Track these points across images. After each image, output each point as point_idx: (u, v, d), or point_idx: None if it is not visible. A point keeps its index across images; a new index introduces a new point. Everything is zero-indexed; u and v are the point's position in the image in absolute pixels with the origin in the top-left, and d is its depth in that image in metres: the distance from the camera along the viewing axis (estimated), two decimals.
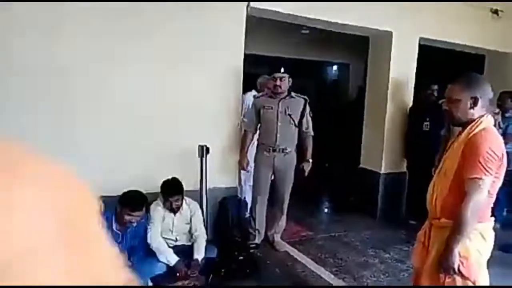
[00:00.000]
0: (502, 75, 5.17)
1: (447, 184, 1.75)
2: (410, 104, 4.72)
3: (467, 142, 1.69)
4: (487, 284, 1.76)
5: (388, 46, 4.53)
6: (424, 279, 1.80)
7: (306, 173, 3.65)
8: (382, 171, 4.68)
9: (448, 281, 1.70)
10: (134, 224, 2.84)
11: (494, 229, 1.80)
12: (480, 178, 1.62)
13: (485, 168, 1.62)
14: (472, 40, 4.89)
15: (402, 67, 4.60)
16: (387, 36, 4.51)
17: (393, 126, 4.65)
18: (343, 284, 3.08)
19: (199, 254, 3.03)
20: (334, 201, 5.50)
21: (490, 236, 1.76)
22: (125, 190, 2.81)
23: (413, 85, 4.71)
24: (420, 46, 4.68)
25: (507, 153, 1.74)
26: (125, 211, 2.70)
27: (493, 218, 1.79)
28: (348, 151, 5.55)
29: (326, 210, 5.16)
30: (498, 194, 1.75)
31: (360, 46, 5.15)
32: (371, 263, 3.52)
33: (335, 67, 8.31)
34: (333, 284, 3.07)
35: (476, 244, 1.70)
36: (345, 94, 7.42)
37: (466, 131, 1.73)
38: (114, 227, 2.79)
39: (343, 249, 3.81)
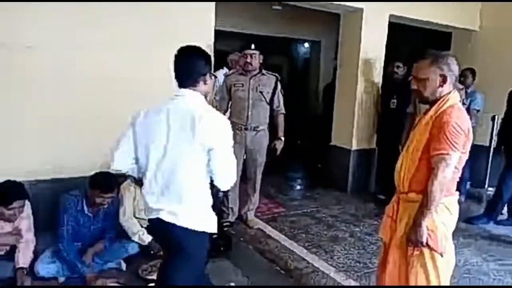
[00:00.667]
0: (469, 52, 5.31)
1: (415, 160, 1.78)
2: (380, 81, 4.79)
3: (435, 119, 1.72)
4: (453, 255, 1.84)
5: (358, 23, 4.55)
6: (392, 252, 1.86)
7: (278, 152, 3.66)
8: (353, 147, 4.78)
9: (416, 253, 1.77)
10: (105, 206, 2.80)
11: (459, 202, 1.88)
12: (447, 154, 1.66)
13: (452, 144, 1.66)
14: (440, 17, 4.97)
15: (373, 44, 4.64)
16: (358, 13, 4.52)
17: (363, 104, 4.72)
18: (315, 257, 3.17)
19: None
20: (306, 178, 5.57)
21: (455, 209, 1.82)
22: (95, 171, 2.74)
23: (382, 63, 4.77)
24: (389, 23, 4.72)
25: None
26: (96, 194, 2.65)
27: (457, 192, 1.85)
28: (320, 128, 5.61)
29: (298, 187, 5.22)
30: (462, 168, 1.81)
31: (331, 23, 5.15)
32: (342, 237, 3.62)
33: (306, 45, 8.29)
34: (307, 259, 3.14)
35: (442, 217, 1.76)
36: (317, 72, 7.43)
37: (433, 108, 1.76)
38: (85, 210, 2.73)
39: (315, 224, 3.89)
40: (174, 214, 1.77)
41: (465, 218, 4.05)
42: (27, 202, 2.59)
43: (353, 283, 2.82)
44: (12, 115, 2.89)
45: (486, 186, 4.69)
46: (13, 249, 2.57)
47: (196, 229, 1.79)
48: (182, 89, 1.87)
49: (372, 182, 4.96)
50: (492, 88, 4.58)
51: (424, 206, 1.70)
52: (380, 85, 4.77)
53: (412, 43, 5.67)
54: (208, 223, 1.87)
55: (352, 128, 4.74)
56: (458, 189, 1.86)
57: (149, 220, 1.91)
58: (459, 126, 1.68)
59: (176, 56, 1.86)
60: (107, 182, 2.67)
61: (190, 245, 1.81)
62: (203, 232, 1.84)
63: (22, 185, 2.53)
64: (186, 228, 1.78)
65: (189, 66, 1.86)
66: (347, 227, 3.84)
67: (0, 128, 2.85)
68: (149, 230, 2.97)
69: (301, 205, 4.43)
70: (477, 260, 3.24)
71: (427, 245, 1.72)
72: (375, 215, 4.05)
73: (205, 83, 1.88)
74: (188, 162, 1.75)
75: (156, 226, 1.85)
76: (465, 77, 4.52)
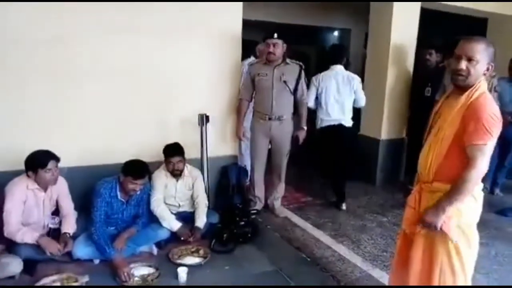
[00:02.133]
0: (505, 39, 5.10)
1: (444, 149, 1.74)
2: (411, 69, 4.68)
3: (468, 107, 1.67)
4: (477, 244, 1.81)
5: (389, 10, 4.45)
6: (416, 244, 1.84)
7: (301, 141, 3.67)
8: (382, 137, 4.72)
9: (422, 232, 1.78)
10: (138, 192, 2.92)
11: (484, 191, 1.83)
12: (485, 144, 1.63)
13: (489, 133, 1.62)
14: (474, 2, 4.78)
15: (403, 32, 4.53)
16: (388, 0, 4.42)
17: (394, 93, 4.64)
18: (342, 247, 3.18)
19: (200, 221, 3.12)
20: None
21: (480, 198, 1.78)
22: (127, 160, 2.86)
23: (414, 51, 4.65)
24: (421, 10, 4.59)
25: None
26: (128, 180, 2.77)
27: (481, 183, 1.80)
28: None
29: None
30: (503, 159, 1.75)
31: (361, 11, 5.05)
32: (369, 226, 3.61)
33: (336, 33, 8.16)
34: (333, 247, 3.17)
35: (468, 205, 1.73)
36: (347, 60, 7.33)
37: (465, 94, 1.70)
38: (118, 196, 2.86)
39: (342, 214, 3.90)
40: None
41: (498, 209, 3.96)
42: (63, 181, 2.79)
43: (379, 272, 2.82)
44: (54, 106, 3.05)
45: None
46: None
47: None
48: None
49: (402, 172, 4.88)
50: None
51: (454, 194, 1.67)
52: (411, 74, 4.66)
53: (445, 30, 5.48)
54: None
55: (381, 117, 4.67)
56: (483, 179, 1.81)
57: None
58: (494, 114, 1.63)
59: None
60: (138, 169, 2.80)
61: None
62: None
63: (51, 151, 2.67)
64: None
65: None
66: (374, 217, 3.83)
67: (43, 116, 3.01)
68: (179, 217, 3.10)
69: (328, 195, 4.43)
70: (510, 252, 3.17)
71: (441, 230, 1.70)
72: (403, 205, 3.97)
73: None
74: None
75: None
76: None
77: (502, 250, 3.20)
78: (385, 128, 4.71)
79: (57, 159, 2.66)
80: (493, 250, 3.19)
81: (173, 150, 3.13)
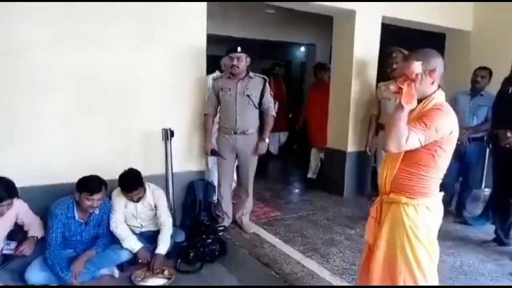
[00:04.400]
0: (462, 53, 5.32)
1: (396, 161, 1.76)
2: (374, 82, 4.78)
3: (420, 114, 1.68)
4: (437, 255, 1.81)
5: (351, 25, 4.55)
6: (376, 253, 1.83)
7: (258, 152, 3.55)
8: (348, 150, 4.76)
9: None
10: (97, 212, 2.78)
11: (444, 202, 1.84)
12: (416, 131, 1.61)
13: (426, 124, 1.61)
14: (432, 18, 4.97)
15: (366, 46, 4.64)
16: (351, 15, 4.52)
17: (358, 105, 4.71)
18: (311, 261, 3.14)
19: (162, 247, 2.92)
20: (302, 182, 5.56)
21: (437, 209, 1.78)
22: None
23: (376, 64, 4.76)
24: (382, 25, 4.72)
25: None
26: (84, 196, 2.63)
27: (441, 193, 1.81)
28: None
29: (294, 190, 5.21)
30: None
31: (326, 26, 5.14)
32: (338, 239, 3.59)
33: (302, 48, 8.30)
34: (302, 263, 3.12)
35: (424, 218, 1.73)
36: (312, 75, 7.43)
37: (419, 106, 1.72)
38: (75, 216, 2.71)
39: (311, 227, 3.87)
40: None
41: (463, 219, 4.04)
42: (19, 202, 2.62)
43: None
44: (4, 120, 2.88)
45: (482, 186, 4.68)
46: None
47: None
48: None
49: (368, 184, 4.93)
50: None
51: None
52: (375, 86, 4.76)
53: (406, 45, 5.66)
54: None
55: (347, 129, 4.72)
56: (442, 189, 1.83)
57: None
58: (442, 116, 1.64)
59: None
60: (93, 184, 2.66)
61: None
62: None
63: (13, 183, 2.49)
64: None
65: None
66: (342, 230, 3.81)
67: None
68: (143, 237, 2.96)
69: (297, 209, 4.40)
70: (474, 261, 3.22)
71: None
72: None
73: None
74: None
75: None
76: (482, 77, 4.04)
77: (466, 260, 3.25)
78: (351, 140, 4.76)
79: (14, 196, 2.48)
80: (458, 260, 3.23)
81: (131, 185, 2.89)
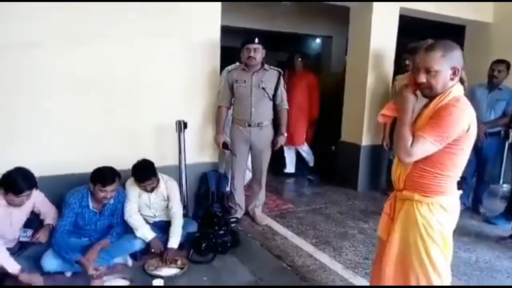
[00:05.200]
0: (482, 45, 5.18)
1: None
2: (391, 75, 4.70)
3: (435, 111, 1.63)
4: (451, 253, 1.77)
5: (368, 17, 4.47)
6: (389, 249, 1.80)
7: (277, 147, 3.59)
8: (363, 143, 4.70)
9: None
10: (111, 201, 2.82)
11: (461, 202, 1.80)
12: (424, 137, 1.58)
13: (440, 130, 1.57)
14: (451, 10, 4.85)
15: (383, 38, 4.55)
16: (368, 6, 4.44)
17: (374, 98, 4.64)
18: (323, 254, 3.13)
19: (174, 240, 2.92)
20: (316, 174, 5.53)
21: (453, 208, 1.73)
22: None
23: (393, 56, 4.68)
24: (400, 17, 4.63)
25: None
26: (97, 188, 2.66)
27: (459, 191, 1.75)
28: (331, 125, 5.55)
29: (307, 183, 5.19)
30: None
31: (342, 18, 5.06)
32: (351, 233, 3.57)
33: (318, 40, 8.20)
34: (314, 255, 3.11)
35: (438, 217, 1.69)
36: (328, 67, 7.34)
37: (433, 102, 1.66)
38: (90, 206, 2.75)
39: (323, 221, 3.85)
40: None
41: (484, 217, 3.97)
42: (36, 192, 2.63)
43: (360, 280, 2.77)
44: (24, 116, 2.93)
45: (500, 181, 4.58)
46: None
47: None
48: None
49: (383, 178, 4.88)
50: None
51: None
52: (392, 79, 4.67)
53: (424, 37, 5.55)
54: None
55: (362, 123, 4.67)
56: (460, 187, 1.76)
57: None
58: (457, 115, 1.57)
59: None
60: (106, 176, 2.68)
61: None
62: None
63: (32, 174, 2.53)
64: None
65: None
66: (356, 224, 3.79)
67: (10, 125, 2.89)
68: (155, 227, 2.99)
69: (310, 202, 4.39)
70: (490, 257, 3.16)
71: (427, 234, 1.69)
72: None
73: None
74: None
75: None
76: (499, 71, 3.92)
77: (482, 256, 3.20)
78: (366, 133, 4.70)
79: (33, 186, 2.52)
80: (473, 256, 3.18)
81: (144, 175, 2.91)
